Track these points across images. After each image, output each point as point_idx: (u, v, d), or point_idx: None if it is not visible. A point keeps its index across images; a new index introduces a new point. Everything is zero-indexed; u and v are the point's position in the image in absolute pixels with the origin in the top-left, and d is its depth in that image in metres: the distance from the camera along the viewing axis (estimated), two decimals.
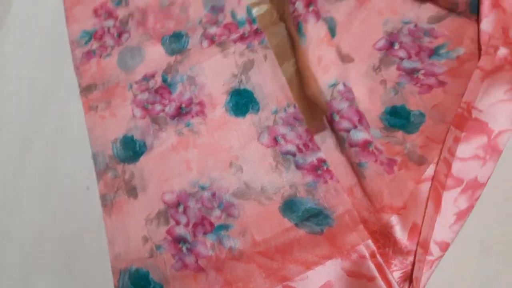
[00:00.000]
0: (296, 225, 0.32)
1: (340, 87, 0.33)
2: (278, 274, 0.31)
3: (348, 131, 0.32)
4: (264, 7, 0.41)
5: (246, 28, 0.40)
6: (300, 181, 0.33)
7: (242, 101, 0.37)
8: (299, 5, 0.36)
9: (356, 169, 0.32)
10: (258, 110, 0.37)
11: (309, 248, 0.31)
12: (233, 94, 0.38)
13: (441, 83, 0.34)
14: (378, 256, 0.30)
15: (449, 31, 0.36)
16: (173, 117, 0.38)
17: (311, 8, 0.36)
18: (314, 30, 0.35)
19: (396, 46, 0.36)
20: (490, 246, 0.30)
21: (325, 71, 0.34)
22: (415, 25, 0.37)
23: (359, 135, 0.32)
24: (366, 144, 0.31)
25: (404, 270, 0.29)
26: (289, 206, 0.33)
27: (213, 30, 0.41)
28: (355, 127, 0.32)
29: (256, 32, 0.40)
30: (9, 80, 0.43)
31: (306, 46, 0.35)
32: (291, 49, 0.38)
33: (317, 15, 0.36)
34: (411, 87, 0.35)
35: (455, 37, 0.35)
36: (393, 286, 0.29)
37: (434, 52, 0.35)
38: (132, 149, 0.37)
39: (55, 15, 0.44)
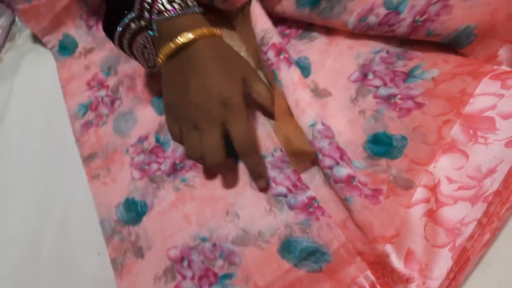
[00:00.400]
0: (295, 265, 0.32)
1: (319, 126, 0.34)
2: None
3: (331, 168, 0.33)
4: None
5: None
6: (294, 220, 0.34)
7: (232, 150, 0.38)
8: (271, 54, 0.38)
9: (344, 203, 0.33)
10: None
11: (310, 287, 0.32)
12: None
13: (419, 105, 0.35)
14: (378, 286, 0.31)
15: (422, 52, 0.37)
16: (169, 174, 0.39)
17: (281, 56, 0.37)
18: (287, 76, 0.37)
19: (370, 76, 0.37)
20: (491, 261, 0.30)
21: (303, 112, 0.35)
22: (387, 52, 0.38)
23: (342, 171, 0.32)
24: (349, 179, 0.32)
25: None
26: (286, 247, 0.33)
27: None
28: (337, 163, 0.33)
29: None
30: (16, 155, 0.46)
31: (284, 90, 0.37)
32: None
33: (288, 61, 0.37)
34: (390, 112, 0.35)
35: (429, 59, 0.36)
36: None
37: (409, 75, 0.36)
38: (134, 211, 0.39)
39: (54, 93, 0.47)
